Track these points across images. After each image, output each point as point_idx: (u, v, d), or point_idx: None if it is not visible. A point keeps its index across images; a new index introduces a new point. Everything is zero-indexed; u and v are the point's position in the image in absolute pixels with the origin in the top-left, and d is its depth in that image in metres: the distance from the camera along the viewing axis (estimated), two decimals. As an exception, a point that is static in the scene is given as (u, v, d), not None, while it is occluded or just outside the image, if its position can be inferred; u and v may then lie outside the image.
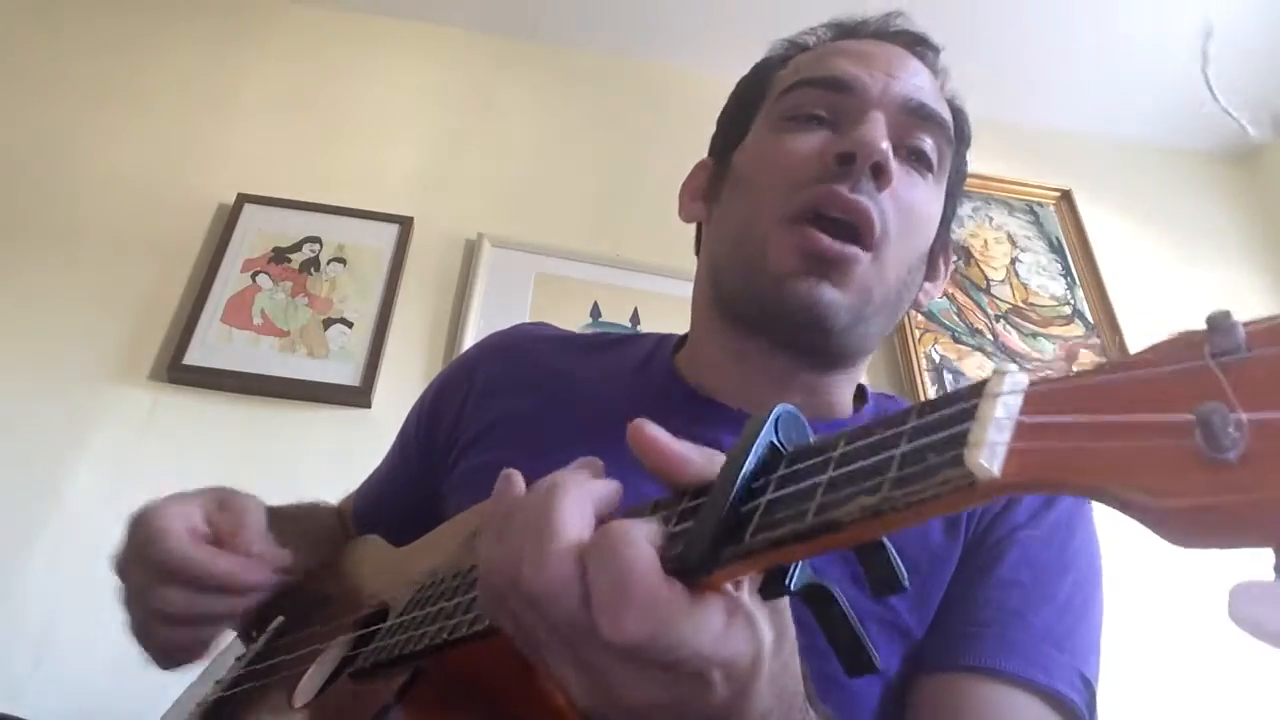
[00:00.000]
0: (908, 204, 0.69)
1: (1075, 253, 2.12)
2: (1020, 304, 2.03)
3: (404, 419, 0.93)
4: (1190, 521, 0.22)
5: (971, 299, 2.01)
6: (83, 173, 1.84)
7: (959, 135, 0.77)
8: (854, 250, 0.66)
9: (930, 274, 0.78)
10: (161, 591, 0.64)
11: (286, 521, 0.77)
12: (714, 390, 0.74)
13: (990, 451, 0.26)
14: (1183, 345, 0.24)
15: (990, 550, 0.64)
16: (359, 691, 0.49)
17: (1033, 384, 0.27)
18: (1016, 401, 0.27)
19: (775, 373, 0.72)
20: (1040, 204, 2.20)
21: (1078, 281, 2.08)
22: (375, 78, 2.10)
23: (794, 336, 0.69)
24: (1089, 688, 0.61)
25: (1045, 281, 2.08)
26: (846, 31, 0.79)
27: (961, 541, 0.65)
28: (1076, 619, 0.63)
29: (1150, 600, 1.62)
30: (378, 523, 0.83)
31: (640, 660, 0.33)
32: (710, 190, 0.80)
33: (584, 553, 0.34)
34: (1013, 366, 0.28)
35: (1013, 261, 2.10)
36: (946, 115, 0.73)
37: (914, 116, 0.70)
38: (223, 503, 0.70)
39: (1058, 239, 2.15)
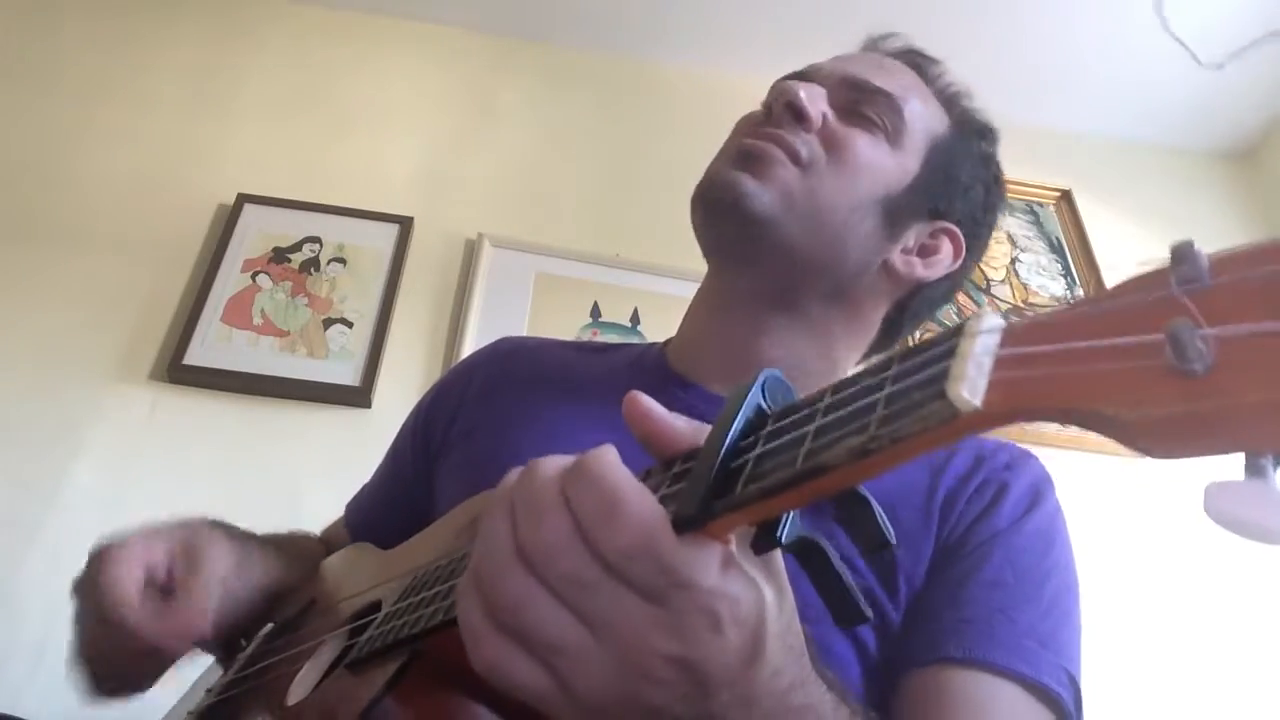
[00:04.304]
0: (842, 142, 0.74)
1: (1075, 253, 2.12)
2: (1020, 304, 2.02)
3: (400, 425, 0.94)
4: (1164, 432, 0.23)
5: (971, 299, 2.00)
6: (83, 172, 1.84)
7: (965, 128, 0.82)
8: (774, 150, 0.73)
9: (909, 243, 0.78)
10: (94, 633, 0.66)
11: (269, 546, 0.79)
12: (701, 376, 0.78)
13: (971, 385, 0.27)
14: (1150, 278, 0.26)
15: (974, 553, 0.66)
16: (355, 682, 0.49)
17: (1009, 321, 0.29)
18: (994, 337, 0.28)
19: (744, 316, 0.76)
20: (1040, 204, 2.19)
21: (1078, 281, 2.08)
22: (375, 77, 2.10)
23: (722, 228, 0.75)
24: (1075, 686, 0.62)
25: (1045, 281, 2.08)
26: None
27: (934, 536, 0.67)
28: (1060, 621, 0.64)
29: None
30: (372, 532, 0.84)
31: (641, 587, 0.34)
32: None
33: (563, 482, 0.35)
34: (989, 309, 0.29)
35: (1013, 261, 2.10)
36: (890, 88, 0.77)
37: (854, 90, 0.77)
38: (188, 548, 0.69)
39: (1058, 239, 2.15)
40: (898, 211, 0.76)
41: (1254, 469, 0.22)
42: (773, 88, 0.77)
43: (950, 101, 0.83)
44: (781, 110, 0.75)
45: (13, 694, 1.29)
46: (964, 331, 0.29)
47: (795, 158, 0.73)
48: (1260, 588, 1.68)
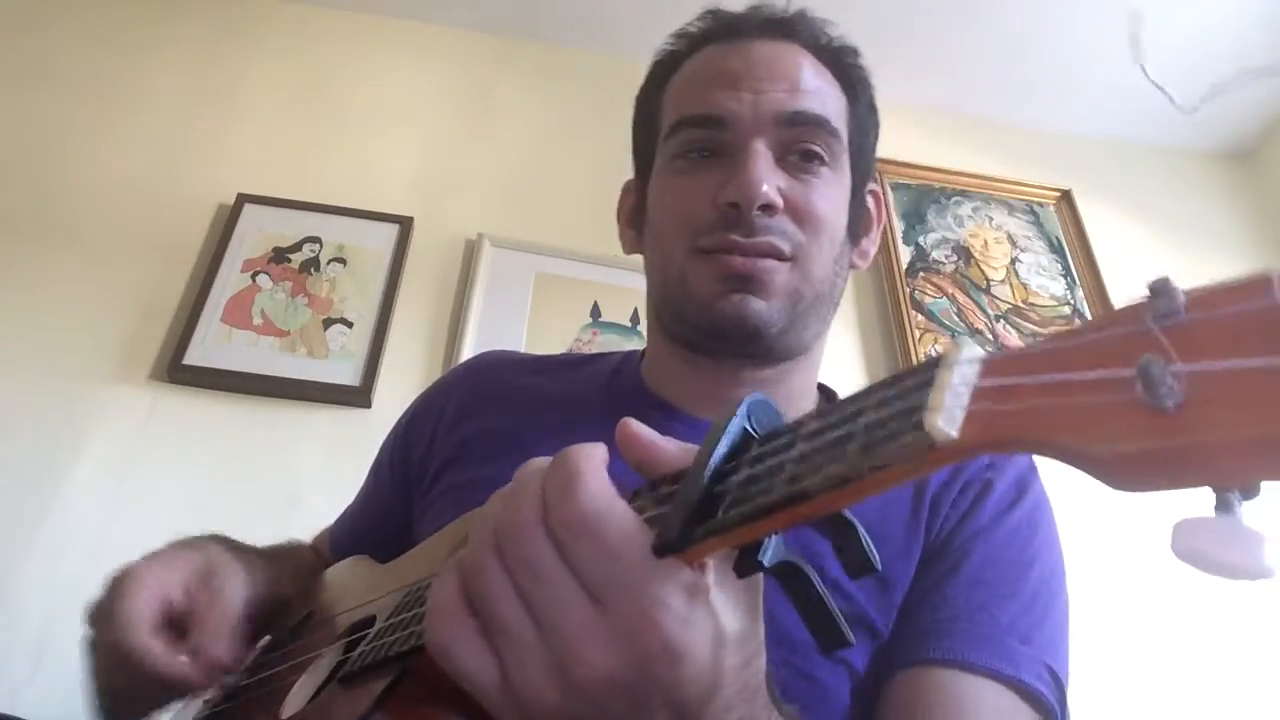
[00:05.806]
0: (809, 210, 0.72)
1: (1075, 253, 2.12)
2: (1020, 304, 2.03)
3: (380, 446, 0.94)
4: (1132, 467, 0.23)
5: (971, 299, 2.01)
6: (83, 172, 1.84)
7: (853, 80, 0.79)
8: (769, 263, 0.70)
9: (854, 240, 0.79)
10: (113, 671, 0.65)
11: (268, 559, 0.79)
12: (678, 400, 0.78)
13: (949, 416, 0.27)
14: (1127, 312, 0.26)
15: (956, 552, 0.66)
16: (346, 697, 0.49)
17: (989, 352, 0.29)
18: (973, 368, 0.28)
19: (725, 377, 0.75)
20: (1040, 204, 2.19)
21: (1078, 281, 2.08)
22: (375, 77, 2.10)
23: (734, 349, 0.74)
24: (1057, 681, 0.62)
25: (1045, 281, 2.08)
26: (719, 34, 0.79)
27: (922, 540, 0.67)
28: (1042, 615, 0.64)
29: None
30: (355, 552, 0.84)
31: (588, 576, 0.34)
32: (635, 218, 0.86)
33: (545, 472, 0.37)
34: (970, 340, 0.30)
35: (1013, 261, 2.10)
36: (824, 110, 0.73)
37: (793, 126, 0.72)
38: (207, 576, 0.68)
39: (1058, 239, 2.15)
40: (854, 222, 0.78)
41: (1222, 504, 0.23)
42: (737, 186, 0.70)
43: (832, 60, 0.78)
44: (756, 212, 0.69)
45: (13, 694, 1.29)
46: (943, 362, 0.29)
47: (783, 258, 0.71)
48: (1260, 585, 1.68)
